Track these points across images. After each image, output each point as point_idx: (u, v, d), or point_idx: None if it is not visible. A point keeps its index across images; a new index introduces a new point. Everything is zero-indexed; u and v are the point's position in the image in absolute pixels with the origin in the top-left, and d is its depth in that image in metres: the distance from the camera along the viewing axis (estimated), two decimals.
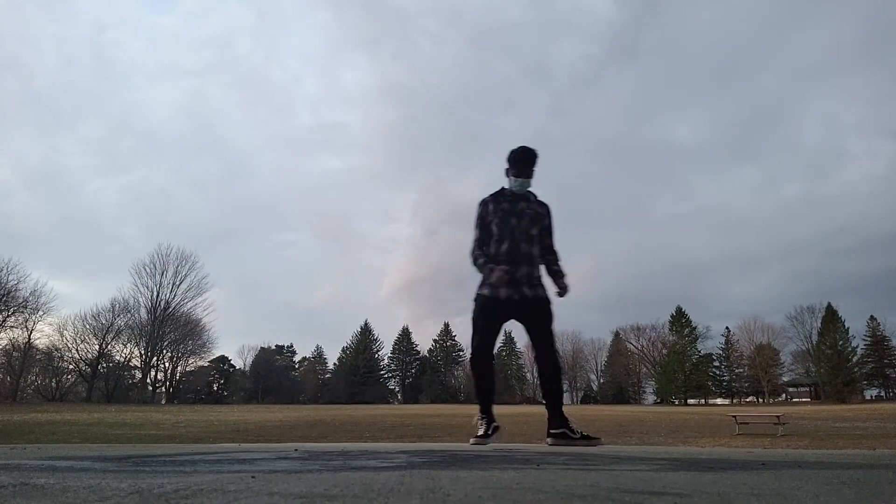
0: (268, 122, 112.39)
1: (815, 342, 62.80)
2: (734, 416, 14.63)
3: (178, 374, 59.62)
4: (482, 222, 3.45)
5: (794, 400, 63.03)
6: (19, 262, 39.41)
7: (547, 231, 3.52)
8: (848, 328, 61.69)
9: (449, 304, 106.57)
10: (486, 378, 3.41)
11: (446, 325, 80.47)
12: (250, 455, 2.18)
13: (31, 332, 42.17)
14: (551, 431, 3.24)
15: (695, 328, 69.14)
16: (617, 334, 75.50)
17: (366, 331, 77.44)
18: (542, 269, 3.51)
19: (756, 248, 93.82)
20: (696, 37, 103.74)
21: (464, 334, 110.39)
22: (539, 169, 3.47)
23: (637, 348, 73.38)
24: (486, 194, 3.53)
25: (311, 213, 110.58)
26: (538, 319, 3.33)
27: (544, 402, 3.34)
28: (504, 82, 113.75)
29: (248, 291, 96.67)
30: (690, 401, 65.37)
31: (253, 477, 1.23)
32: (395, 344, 78.99)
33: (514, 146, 3.44)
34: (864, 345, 62.78)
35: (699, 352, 68.56)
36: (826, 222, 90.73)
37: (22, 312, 40.03)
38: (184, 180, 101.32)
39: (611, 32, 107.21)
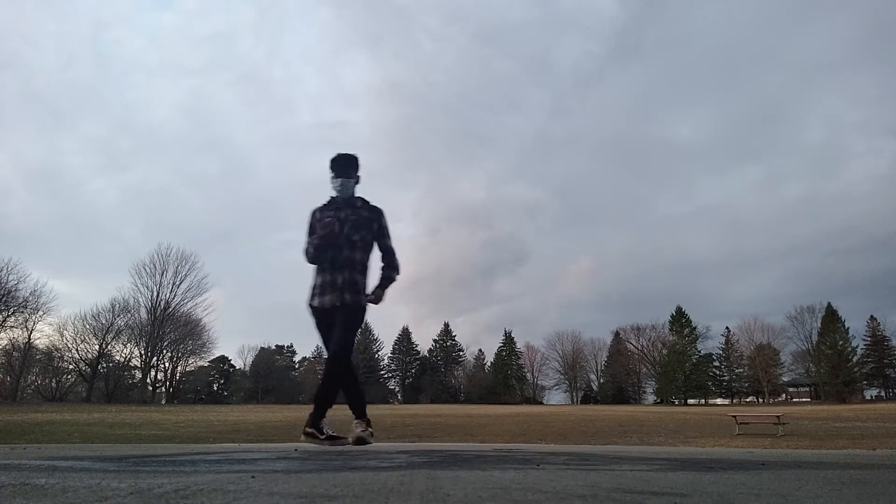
0: (269, 120, 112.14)
1: (815, 342, 62.82)
2: (734, 417, 14.64)
3: (178, 374, 59.64)
4: (311, 230, 3.62)
5: (794, 400, 63.03)
6: (19, 262, 39.40)
7: (380, 234, 3.64)
8: (848, 328, 61.78)
9: (450, 304, 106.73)
10: (347, 384, 3.47)
11: (446, 325, 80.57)
12: (250, 455, 2.18)
13: (31, 332, 42.22)
14: (306, 429, 3.41)
15: (695, 328, 69.18)
16: (617, 334, 75.58)
17: (366, 331, 77.40)
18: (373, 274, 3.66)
19: (757, 247, 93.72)
20: (698, 35, 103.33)
21: (464, 334, 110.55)
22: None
23: (637, 348, 73.44)
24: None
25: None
26: (340, 322, 3.42)
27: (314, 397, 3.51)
28: (506, 80, 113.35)
29: (248, 291, 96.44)
30: (690, 401, 65.37)
31: (253, 477, 1.23)
32: (395, 344, 79.03)
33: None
34: (864, 345, 62.83)
35: (699, 352, 68.59)
36: (827, 222, 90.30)
37: (22, 312, 40.05)
38: (184, 179, 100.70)
39: (614, 30, 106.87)
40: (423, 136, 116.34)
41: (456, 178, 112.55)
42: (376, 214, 3.65)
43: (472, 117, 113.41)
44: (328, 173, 3.64)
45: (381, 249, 3.67)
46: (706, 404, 62.17)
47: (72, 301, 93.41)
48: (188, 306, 53.18)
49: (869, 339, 63.19)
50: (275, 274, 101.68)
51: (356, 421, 3.42)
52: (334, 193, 3.65)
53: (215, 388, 69.62)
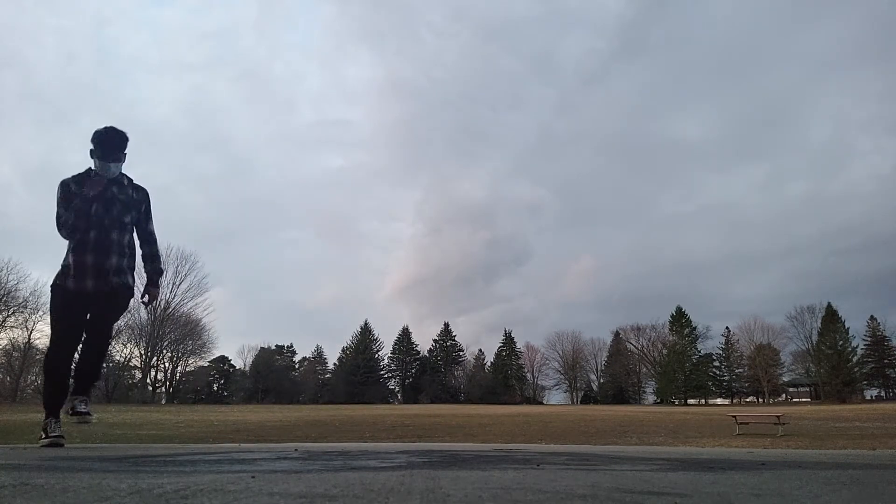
0: (270, 118, 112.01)
1: (815, 342, 62.83)
2: (734, 416, 14.64)
3: (178, 374, 59.69)
4: (66, 201, 3.19)
5: (794, 400, 63.02)
6: (19, 262, 39.52)
7: (146, 217, 3.41)
8: (848, 328, 61.83)
9: (452, 304, 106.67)
10: (63, 384, 3.25)
11: (446, 325, 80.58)
12: (250, 455, 2.18)
13: (31, 332, 42.22)
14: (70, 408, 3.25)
15: (695, 328, 69.21)
16: (617, 334, 75.58)
17: (366, 331, 77.47)
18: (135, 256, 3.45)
19: (758, 247, 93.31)
20: (703, 32, 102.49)
21: (465, 334, 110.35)
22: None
23: (637, 348, 73.44)
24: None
25: (314, 211, 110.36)
26: (108, 309, 3.25)
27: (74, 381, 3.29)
28: (510, 78, 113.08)
29: (249, 290, 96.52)
30: (690, 401, 65.36)
31: (253, 477, 1.23)
32: (395, 344, 78.99)
33: (101, 127, 3.25)
34: (864, 345, 62.85)
35: (699, 352, 68.61)
36: (830, 221, 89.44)
37: (22, 312, 40.10)
38: (185, 178, 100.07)
39: (619, 27, 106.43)
40: (425, 135, 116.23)
41: (458, 177, 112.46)
42: (144, 196, 3.39)
43: (475, 115, 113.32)
44: (90, 146, 3.22)
45: (142, 234, 3.41)
46: (706, 404, 62.16)
47: None
48: (188, 306, 53.31)
49: (869, 339, 63.22)
50: (276, 273, 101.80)
51: (79, 398, 3.27)
52: (94, 168, 3.25)
53: (215, 388, 69.62)
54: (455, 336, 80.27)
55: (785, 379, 66.88)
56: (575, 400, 74.48)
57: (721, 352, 70.02)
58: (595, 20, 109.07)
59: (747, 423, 13.99)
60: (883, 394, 62.08)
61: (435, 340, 79.78)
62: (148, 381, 52.92)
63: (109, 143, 3.22)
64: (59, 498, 0.93)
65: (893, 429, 13.92)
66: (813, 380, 63.47)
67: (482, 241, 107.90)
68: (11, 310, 39.03)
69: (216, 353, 64.18)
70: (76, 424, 3.28)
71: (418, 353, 79.23)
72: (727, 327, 71.06)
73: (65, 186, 3.20)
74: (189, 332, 53.93)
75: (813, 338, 63.20)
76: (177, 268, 52.25)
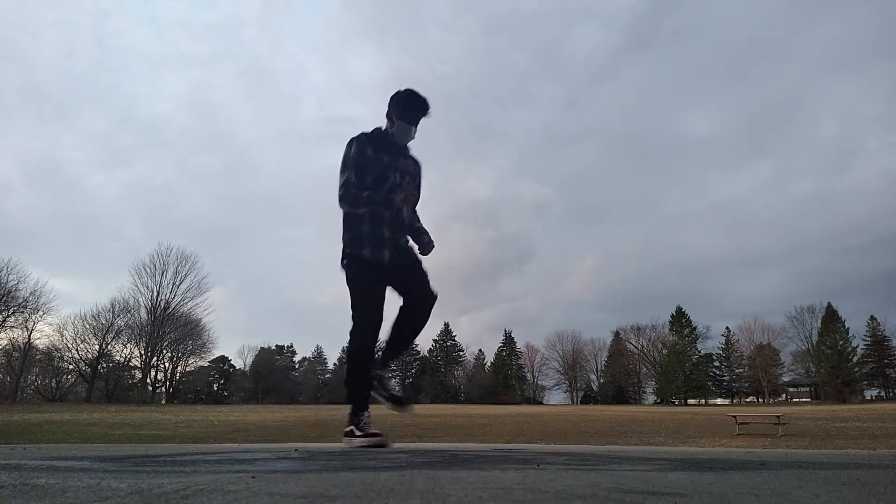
0: (273, 114, 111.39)
1: (815, 342, 62.87)
2: (734, 417, 14.65)
3: (178, 374, 59.72)
4: (360, 166, 2.83)
5: (794, 400, 63.06)
6: (19, 262, 39.59)
7: (418, 191, 3.09)
8: (848, 328, 61.85)
9: (455, 303, 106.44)
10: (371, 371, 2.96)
11: (446, 325, 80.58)
12: (250, 455, 2.18)
13: (31, 332, 42.28)
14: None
15: (695, 328, 69.24)
16: (617, 334, 75.60)
17: None
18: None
19: (761, 246, 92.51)
20: (711, 28, 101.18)
21: (467, 334, 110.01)
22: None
23: (637, 348, 73.45)
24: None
25: (317, 208, 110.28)
26: (416, 269, 2.98)
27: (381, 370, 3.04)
28: (516, 73, 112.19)
29: (250, 290, 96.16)
30: (690, 401, 65.40)
31: (253, 477, 1.23)
32: None
33: (400, 89, 3.00)
34: (865, 345, 62.89)
35: (699, 352, 68.66)
36: (834, 220, 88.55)
37: (22, 312, 40.13)
38: (187, 175, 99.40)
39: (627, 21, 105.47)
40: (429, 131, 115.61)
41: (463, 175, 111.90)
42: (420, 168, 3.09)
43: (481, 111, 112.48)
44: (388, 108, 2.97)
45: (413, 208, 3.14)
46: (706, 404, 62.20)
47: (72, 300, 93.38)
48: (188, 306, 53.33)
49: (869, 339, 63.26)
50: (277, 272, 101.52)
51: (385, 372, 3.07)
52: (391, 130, 2.98)
53: (215, 388, 69.65)
54: (455, 336, 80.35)
55: (785, 379, 66.95)
56: (575, 400, 74.49)
57: (721, 352, 70.10)
58: (604, 14, 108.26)
59: (747, 423, 14.00)
60: (883, 394, 62.12)
61: (435, 340, 79.85)
62: (148, 381, 52.93)
63: (415, 105, 2.96)
64: (59, 498, 0.93)
65: (893, 429, 13.93)
66: (813, 380, 63.49)
67: (486, 240, 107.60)
68: (11, 310, 39.06)
69: (216, 353, 64.06)
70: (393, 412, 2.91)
71: (418, 353, 79.19)
72: (727, 327, 71.22)
73: (360, 145, 2.85)
74: (189, 333, 53.94)
75: (813, 338, 63.26)
76: (177, 268, 52.33)
